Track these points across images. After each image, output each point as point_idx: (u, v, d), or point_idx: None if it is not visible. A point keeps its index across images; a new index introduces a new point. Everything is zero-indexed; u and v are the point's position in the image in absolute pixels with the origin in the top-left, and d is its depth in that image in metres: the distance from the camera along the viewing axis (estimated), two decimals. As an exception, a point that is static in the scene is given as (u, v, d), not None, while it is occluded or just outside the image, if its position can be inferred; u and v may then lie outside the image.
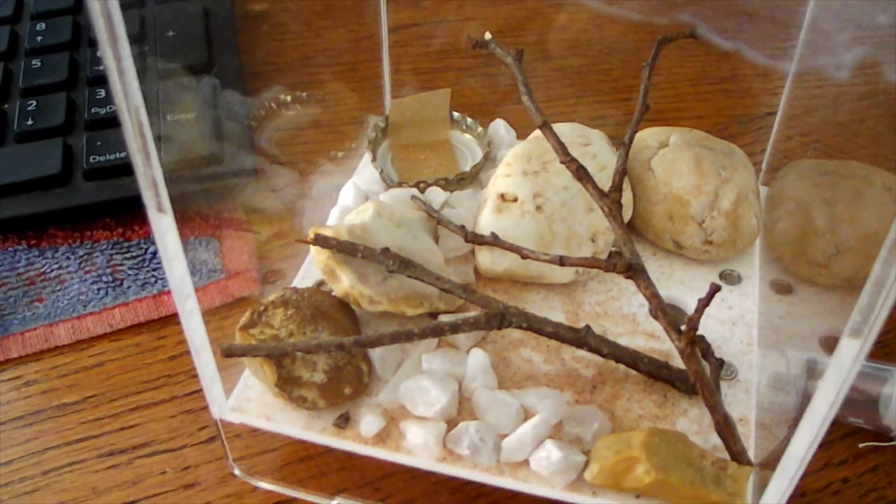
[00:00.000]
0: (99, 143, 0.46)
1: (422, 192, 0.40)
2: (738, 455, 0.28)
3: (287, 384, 0.30)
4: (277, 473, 0.34)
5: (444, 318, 0.34)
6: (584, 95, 0.55)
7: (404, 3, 0.63)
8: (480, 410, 0.31)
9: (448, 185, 0.41)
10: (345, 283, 0.33)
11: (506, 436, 0.30)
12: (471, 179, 0.42)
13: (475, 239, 0.34)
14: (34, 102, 0.48)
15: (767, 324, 0.36)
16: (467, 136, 0.45)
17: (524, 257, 0.32)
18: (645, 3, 0.60)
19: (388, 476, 0.33)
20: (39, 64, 0.51)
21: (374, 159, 0.42)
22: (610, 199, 0.33)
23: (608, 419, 0.31)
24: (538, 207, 0.36)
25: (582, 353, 0.33)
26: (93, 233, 0.44)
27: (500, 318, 0.31)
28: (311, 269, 0.38)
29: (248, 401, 0.32)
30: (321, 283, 0.36)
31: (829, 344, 0.35)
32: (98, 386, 0.37)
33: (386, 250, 0.33)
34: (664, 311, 0.30)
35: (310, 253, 0.38)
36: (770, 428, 0.31)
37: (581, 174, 0.33)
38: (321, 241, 0.33)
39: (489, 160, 0.43)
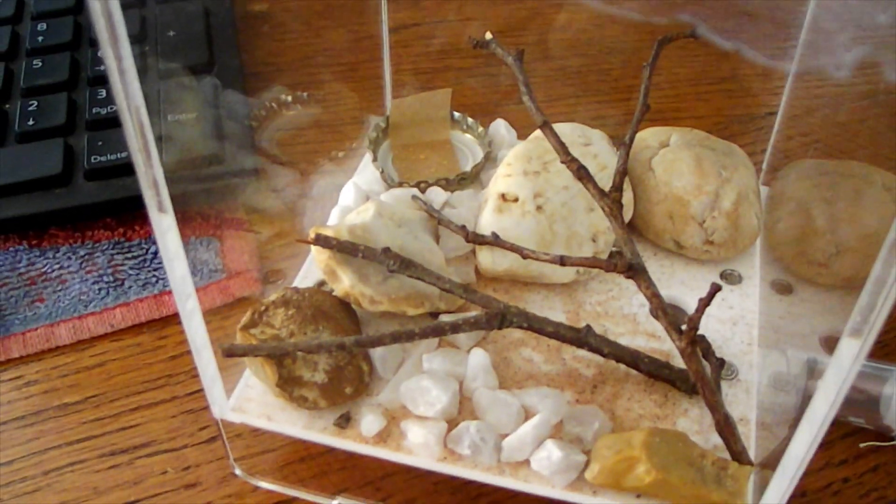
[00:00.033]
0: (100, 143, 0.46)
1: (422, 192, 0.40)
2: (738, 455, 0.28)
3: (288, 384, 0.30)
4: (278, 473, 0.34)
5: (444, 318, 0.34)
6: (584, 95, 0.55)
7: (405, 3, 0.63)
8: (481, 410, 0.31)
9: (449, 185, 0.41)
10: (345, 282, 0.33)
11: (506, 435, 0.30)
12: (471, 179, 0.42)
13: (476, 239, 0.34)
14: (35, 102, 0.48)
15: (768, 324, 0.36)
16: (468, 136, 0.46)
17: (525, 257, 0.32)
18: (645, 3, 0.60)
19: (389, 476, 0.33)
20: (40, 64, 0.51)
21: (374, 159, 0.43)
22: (610, 199, 0.33)
23: (609, 419, 0.31)
24: (539, 207, 0.36)
25: (582, 352, 0.33)
26: (94, 233, 0.44)
27: (500, 318, 0.31)
28: (312, 269, 0.38)
29: (248, 401, 0.32)
30: (322, 283, 0.36)
31: (830, 344, 0.35)
32: (99, 386, 0.37)
33: (387, 250, 0.33)
34: (665, 311, 0.30)
35: (310, 253, 0.38)
36: (770, 428, 0.31)
37: (582, 174, 0.33)
38: (322, 240, 0.33)
39: (490, 160, 0.43)
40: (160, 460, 0.34)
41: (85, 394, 0.37)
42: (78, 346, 0.39)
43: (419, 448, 0.30)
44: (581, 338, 0.31)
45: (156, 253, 0.43)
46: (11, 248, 0.44)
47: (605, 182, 0.34)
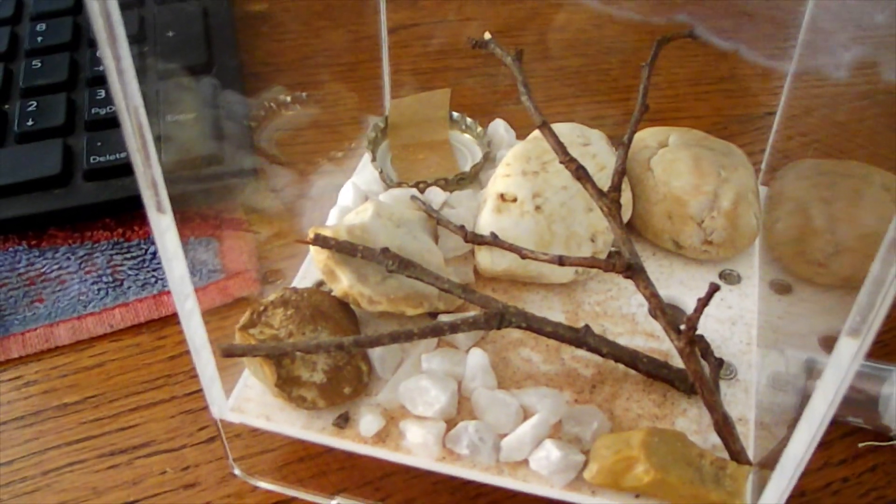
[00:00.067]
0: (99, 143, 0.46)
1: (421, 192, 0.40)
2: (737, 454, 0.28)
3: (287, 384, 0.30)
4: (277, 473, 0.34)
5: (443, 318, 0.34)
6: (583, 95, 0.55)
7: (404, 3, 0.63)
8: (480, 410, 0.31)
9: (448, 185, 0.41)
10: (344, 283, 0.33)
11: (505, 435, 0.30)
12: (470, 179, 0.42)
13: (475, 239, 0.34)
14: (34, 103, 0.48)
15: (767, 323, 0.36)
16: (467, 136, 0.46)
17: (524, 257, 0.32)
18: (644, 3, 0.60)
19: (388, 476, 0.33)
20: (39, 64, 0.51)
21: (373, 159, 0.43)
22: (609, 199, 0.33)
23: (607, 419, 0.31)
24: (537, 207, 0.36)
25: (581, 352, 0.33)
26: (93, 233, 0.44)
27: (499, 318, 0.31)
28: (311, 269, 0.38)
29: (247, 401, 0.32)
30: (321, 283, 0.36)
31: (829, 343, 0.35)
32: (98, 386, 0.37)
33: (385, 250, 0.33)
34: (663, 311, 0.30)
35: (309, 253, 0.38)
36: (769, 427, 0.31)
37: (580, 174, 0.33)
38: (321, 241, 0.33)
39: (489, 160, 0.43)
40: (159, 460, 0.34)
41: (84, 394, 0.37)
42: (77, 346, 0.39)
43: (418, 448, 0.30)
44: (580, 338, 0.31)
45: (155, 253, 0.43)
46: (11, 249, 0.44)
47: (604, 182, 0.35)
